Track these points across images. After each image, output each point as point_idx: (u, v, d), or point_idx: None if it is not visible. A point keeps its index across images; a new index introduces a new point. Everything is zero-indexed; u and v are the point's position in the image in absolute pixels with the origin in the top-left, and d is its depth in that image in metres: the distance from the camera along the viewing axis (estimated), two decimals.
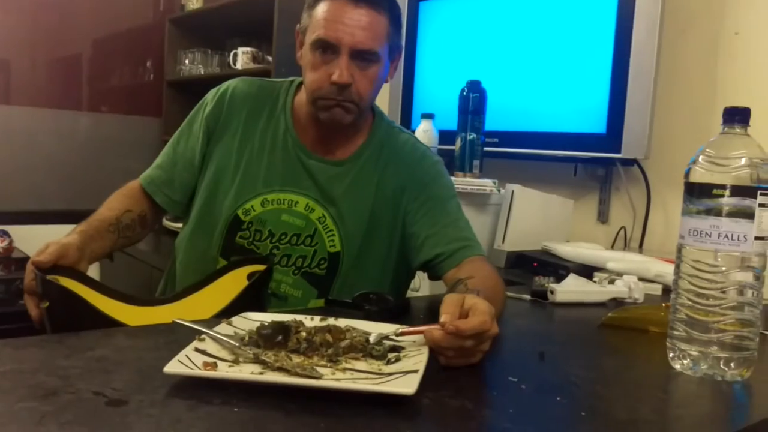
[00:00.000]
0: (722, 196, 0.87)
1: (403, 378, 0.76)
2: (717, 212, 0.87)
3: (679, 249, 0.92)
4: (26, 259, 1.06)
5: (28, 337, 0.91)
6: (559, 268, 1.61)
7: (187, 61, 3.32)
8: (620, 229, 1.98)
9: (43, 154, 3.25)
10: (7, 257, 2.70)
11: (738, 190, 0.86)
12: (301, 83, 1.31)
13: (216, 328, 0.89)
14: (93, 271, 1.19)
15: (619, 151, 1.83)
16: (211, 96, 1.36)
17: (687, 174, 0.91)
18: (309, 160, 1.29)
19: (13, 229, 2.82)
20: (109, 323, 1.00)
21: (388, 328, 0.91)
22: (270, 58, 2.82)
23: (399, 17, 1.27)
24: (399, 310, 1.15)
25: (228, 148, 1.31)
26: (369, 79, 1.22)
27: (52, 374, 0.76)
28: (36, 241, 1.62)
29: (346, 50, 1.18)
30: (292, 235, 1.27)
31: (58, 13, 3.30)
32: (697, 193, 0.89)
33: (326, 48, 1.19)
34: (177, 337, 0.88)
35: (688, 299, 0.89)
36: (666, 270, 1.44)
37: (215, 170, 1.31)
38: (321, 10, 1.20)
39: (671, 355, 0.92)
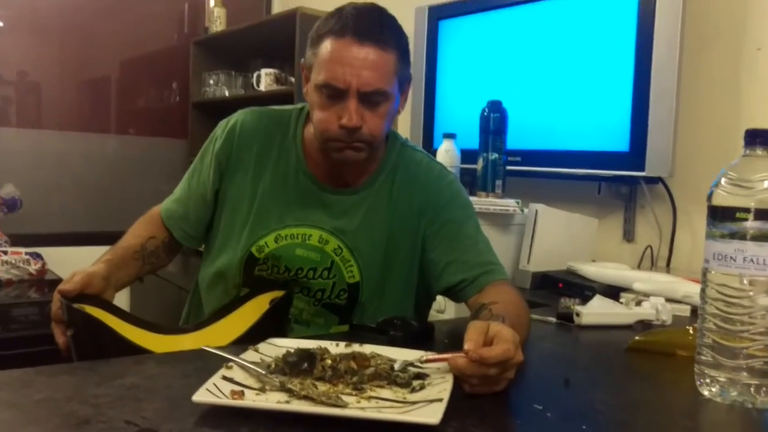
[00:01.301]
0: (746, 219, 0.87)
1: (428, 407, 0.76)
2: (741, 236, 0.87)
3: (704, 273, 0.91)
4: (58, 281, 1.09)
5: (60, 365, 0.93)
6: (585, 289, 1.60)
7: (211, 83, 3.37)
8: (646, 248, 1.96)
9: (72, 176, 3.31)
10: (40, 279, 2.75)
11: (762, 214, 0.86)
12: (309, 112, 1.28)
13: (243, 355, 0.90)
14: (123, 292, 1.22)
15: (642, 169, 1.81)
16: (220, 131, 1.34)
17: (709, 197, 0.90)
18: (322, 192, 1.28)
19: (46, 251, 2.87)
20: (135, 351, 1.02)
21: (412, 354, 0.92)
22: (292, 79, 2.86)
23: (407, 47, 1.23)
24: (423, 335, 1.15)
25: (241, 186, 1.30)
26: (379, 117, 1.19)
27: (84, 402, 0.78)
28: (67, 263, 1.66)
29: (353, 93, 1.15)
30: (309, 269, 1.26)
31: (86, 37, 3.37)
32: (720, 216, 0.89)
33: (333, 91, 1.16)
34: (205, 364, 0.89)
35: (715, 324, 0.89)
36: (694, 290, 1.42)
37: (230, 209, 1.31)
38: (325, 49, 1.16)
39: (699, 381, 0.91)
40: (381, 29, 1.17)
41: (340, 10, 1.18)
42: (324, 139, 1.20)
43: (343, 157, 1.21)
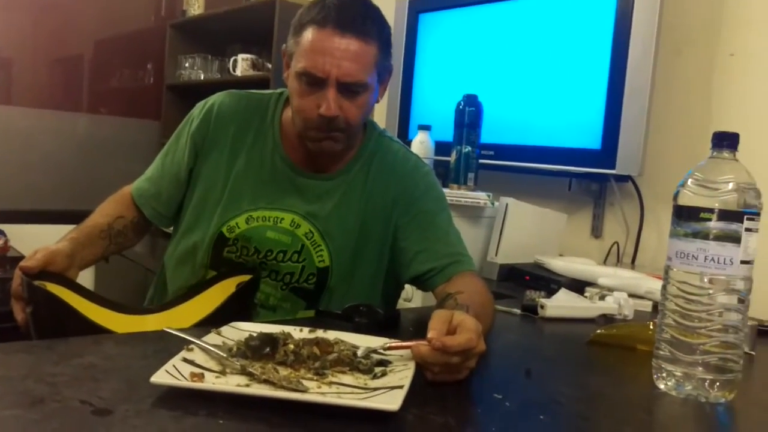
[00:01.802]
0: (710, 219, 0.88)
1: (388, 393, 0.77)
2: (704, 236, 0.88)
3: (666, 270, 0.93)
4: (20, 258, 1.07)
5: (17, 342, 0.91)
6: (551, 282, 1.62)
7: (187, 66, 3.33)
8: (613, 245, 1.99)
9: (41, 154, 3.26)
10: (3, 256, 2.71)
11: (725, 215, 0.87)
12: (288, 97, 1.29)
13: (205, 338, 0.90)
14: (88, 271, 1.20)
15: (613, 167, 1.84)
16: (197, 111, 1.34)
17: (675, 197, 0.92)
18: (297, 177, 1.29)
19: (10, 228, 2.83)
20: (95, 330, 1.01)
21: (376, 341, 0.92)
22: (269, 66, 2.84)
23: (388, 38, 1.23)
24: (389, 323, 1.15)
25: (216, 166, 1.30)
26: (358, 107, 1.20)
27: (40, 381, 0.77)
28: (32, 240, 1.63)
29: (333, 82, 1.15)
30: (278, 251, 1.26)
31: (61, 15, 3.31)
32: (685, 216, 0.90)
33: (313, 79, 1.16)
34: (166, 345, 0.88)
35: (674, 320, 0.90)
36: (657, 287, 1.44)
37: (203, 188, 1.30)
38: (307, 38, 1.16)
39: (656, 375, 0.93)
40: (363, 20, 1.17)
41: (323, 0, 1.18)
42: (303, 126, 1.21)
43: (320, 147, 1.22)
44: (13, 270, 1.09)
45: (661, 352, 0.92)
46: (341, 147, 1.24)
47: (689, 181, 0.91)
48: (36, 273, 1.05)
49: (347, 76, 1.15)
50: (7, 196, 3.10)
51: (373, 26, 1.18)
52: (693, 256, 0.89)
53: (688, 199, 0.90)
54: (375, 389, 0.79)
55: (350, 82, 1.16)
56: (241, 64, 2.93)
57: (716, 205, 0.88)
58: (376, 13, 1.21)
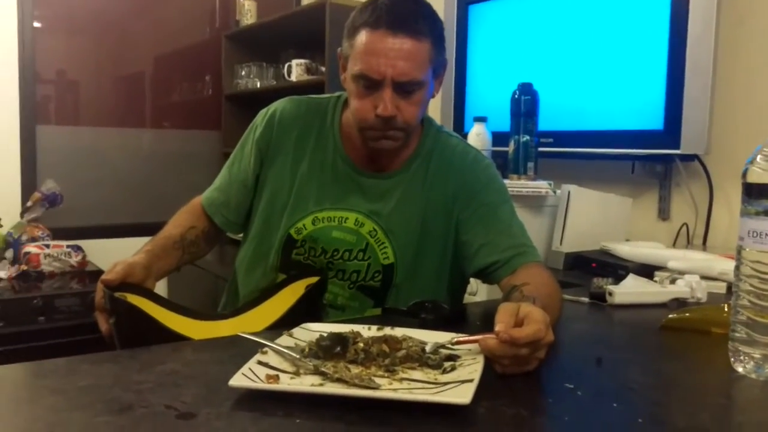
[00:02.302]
0: None
1: (459, 387, 0.77)
2: None
3: (739, 250, 0.90)
4: (99, 272, 1.13)
5: (104, 353, 0.96)
6: (618, 269, 1.59)
7: (243, 74, 3.40)
8: (682, 226, 1.93)
9: (110, 171, 3.38)
10: (81, 271, 2.83)
11: None
12: (347, 99, 1.32)
13: (277, 340, 0.92)
14: (162, 283, 1.25)
15: (678, 147, 1.79)
16: (260, 119, 1.38)
17: (744, 174, 0.89)
18: (359, 177, 1.31)
19: (85, 244, 2.95)
20: (174, 338, 1.05)
21: (443, 336, 0.93)
22: (323, 69, 2.87)
23: (441, 34, 1.24)
24: (454, 318, 1.16)
25: (281, 171, 1.33)
26: (414, 105, 1.21)
27: (126, 389, 0.81)
28: (107, 254, 1.71)
29: (388, 83, 1.17)
30: (344, 250, 1.29)
31: (120, 34, 3.43)
32: (756, 193, 0.88)
33: (369, 81, 1.18)
34: (241, 350, 0.91)
35: (749, 301, 0.88)
36: (730, 267, 1.38)
37: (271, 193, 1.34)
38: (360, 40, 1.18)
39: (733, 358, 0.90)
40: (415, 18, 1.18)
41: (374, 1, 1.19)
42: (361, 127, 1.24)
43: (380, 146, 1.24)
44: (92, 284, 1.14)
45: (738, 335, 0.90)
46: (400, 145, 1.26)
47: (758, 158, 0.88)
48: (117, 285, 1.10)
49: (402, 76, 1.17)
50: (80, 212, 3.24)
51: (425, 23, 1.19)
52: (766, 234, 0.86)
53: (757, 176, 0.88)
54: (445, 384, 0.80)
55: (405, 81, 1.18)
56: (296, 70, 2.98)
57: None
58: (428, 9, 1.22)
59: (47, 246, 2.79)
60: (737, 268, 0.91)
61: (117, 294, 1.08)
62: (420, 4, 1.21)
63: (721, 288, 1.40)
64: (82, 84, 3.38)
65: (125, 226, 3.26)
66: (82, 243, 2.93)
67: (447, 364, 0.86)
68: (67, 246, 2.83)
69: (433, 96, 1.29)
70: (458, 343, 0.90)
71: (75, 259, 2.82)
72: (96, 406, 0.76)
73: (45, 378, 0.86)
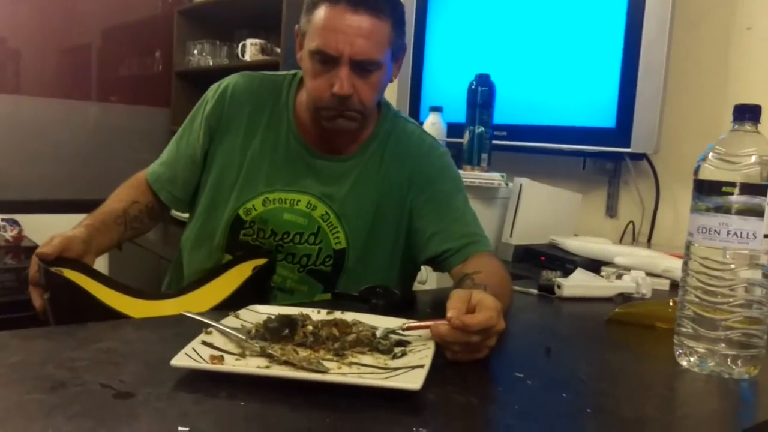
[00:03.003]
0: (732, 193, 0.87)
1: (409, 373, 0.76)
2: (726, 210, 0.87)
3: (688, 246, 0.91)
4: (35, 247, 1.07)
5: (36, 329, 0.92)
6: (566, 263, 1.61)
7: (195, 52, 3.32)
8: (628, 224, 1.97)
9: (51, 144, 3.26)
10: (17, 246, 2.72)
11: (748, 188, 0.86)
12: (302, 78, 1.28)
13: (223, 321, 0.89)
14: (101, 260, 1.20)
15: (628, 146, 1.81)
16: (211, 93, 1.33)
17: (696, 171, 0.90)
18: (312, 158, 1.28)
19: (23, 218, 2.84)
20: (113, 315, 1.01)
21: (394, 322, 0.91)
22: (278, 50, 2.82)
23: (402, 16, 1.22)
24: (405, 304, 1.15)
25: (231, 148, 1.29)
26: (371, 86, 1.19)
27: (60, 366, 0.77)
28: (45, 229, 1.63)
29: (346, 60, 1.14)
30: (295, 234, 1.26)
31: (68, 4, 3.31)
32: (707, 190, 0.89)
33: (326, 58, 1.15)
34: (184, 329, 0.88)
35: (696, 296, 0.89)
36: (674, 265, 1.43)
37: (219, 170, 1.30)
38: (319, 16, 1.15)
39: (678, 351, 0.92)
40: None
41: None
42: (316, 107, 1.20)
43: (335, 125, 1.21)
44: (27, 259, 1.09)
45: (683, 329, 0.91)
46: (355, 126, 1.23)
47: (710, 155, 0.89)
48: (53, 259, 1.05)
49: (360, 54, 1.14)
50: (18, 186, 3.11)
51: (386, 3, 1.17)
52: (715, 230, 0.88)
53: (709, 173, 0.89)
54: (396, 369, 0.79)
55: (363, 60, 1.15)
56: (250, 49, 2.92)
57: (738, 178, 0.86)
58: None
59: None
60: (685, 263, 0.92)
61: (53, 268, 1.03)
62: None
63: (665, 285, 1.43)
64: (24, 53, 3.25)
65: (66, 202, 3.14)
66: (19, 217, 2.82)
67: (397, 350, 0.85)
68: (2, 219, 2.72)
69: (391, 80, 1.26)
70: (409, 328, 0.89)
71: (10, 234, 2.71)
72: (26, 383, 0.72)
73: None
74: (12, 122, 3.17)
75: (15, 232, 2.73)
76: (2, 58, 3.21)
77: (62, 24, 3.31)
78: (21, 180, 3.13)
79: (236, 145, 1.29)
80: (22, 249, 2.71)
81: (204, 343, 0.82)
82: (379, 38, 1.16)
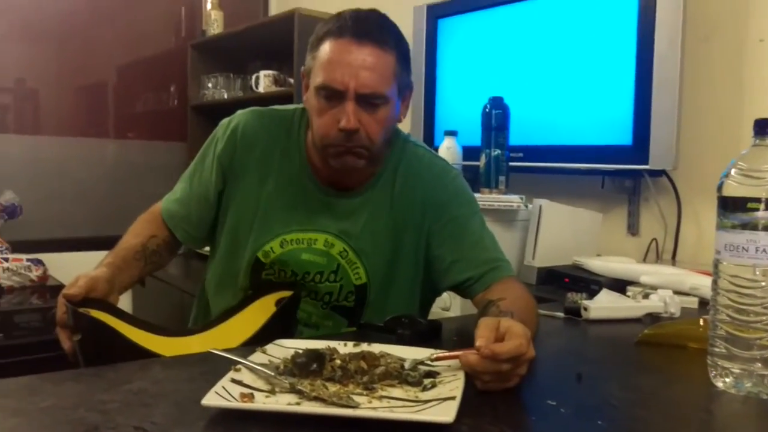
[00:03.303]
0: (757, 209, 0.86)
1: (441, 405, 0.75)
2: (753, 226, 0.86)
3: (716, 264, 0.90)
4: (60, 287, 1.08)
5: (66, 371, 0.92)
6: (591, 284, 1.59)
7: (210, 86, 3.36)
8: (651, 241, 1.95)
9: (72, 182, 3.30)
10: (42, 285, 2.74)
11: None
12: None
13: (251, 357, 0.89)
14: (125, 297, 1.21)
15: (646, 162, 1.80)
16: (221, 132, 1.32)
17: (720, 188, 0.90)
18: (326, 196, 1.27)
19: (46, 257, 2.86)
20: (142, 354, 1.01)
21: (422, 353, 0.91)
22: (291, 81, 2.85)
23: (407, 53, 1.21)
24: (431, 333, 1.14)
25: (245, 191, 1.28)
26: (378, 121, 1.16)
27: (92, 409, 0.77)
28: (68, 268, 1.65)
29: (351, 95, 1.13)
30: (315, 273, 1.25)
31: (83, 42, 3.36)
32: (731, 207, 0.88)
33: (331, 93, 1.14)
34: (212, 367, 0.88)
35: (728, 315, 0.88)
36: (701, 282, 1.42)
37: (235, 214, 1.29)
38: (324, 51, 1.15)
39: (713, 373, 0.90)
40: (380, 30, 1.15)
41: (339, 14, 1.17)
42: (324, 144, 1.18)
43: (343, 163, 1.19)
44: (53, 299, 1.10)
45: (717, 349, 0.89)
46: (363, 163, 1.20)
47: (733, 171, 0.89)
48: (79, 300, 1.06)
49: (365, 87, 1.13)
50: (41, 225, 3.14)
51: (390, 36, 1.17)
52: (743, 248, 0.87)
53: (733, 189, 0.88)
54: (426, 401, 0.78)
55: (369, 93, 1.14)
56: (263, 81, 2.95)
57: (764, 194, 0.86)
58: (394, 26, 1.20)
59: (6, 260, 2.69)
60: (714, 282, 0.91)
61: (81, 309, 1.04)
62: (386, 20, 1.19)
63: (693, 303, 1.41)
64: (43, 93, 3.30)
65: (87, 240, 3.17)
66: (43, 256, 2.83)
67: (427, 381, 0.84)
68: (27, 260, 2.73)
69: (399, 120, 1.25)
70: (438, 359, 0.88)
71: (35, 273, 2.73)
72: (59, 428, 0.72)
73: (5, 398, 0.81)
74: (33, 162, 3.21)
75: (40, 271, 2.75)
76: (21, 99, 3.27)
77: (78, 62, 3.36)
78: (43, 218, 3.16)
79: (251, 188, 1.28)
80: (47, 288, 2.72)
81: (233, 380, 0.82)
82: (384, 71, 1.15)
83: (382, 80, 1.15)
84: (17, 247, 2.84)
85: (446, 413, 0.72)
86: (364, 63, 1.13)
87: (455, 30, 2.38)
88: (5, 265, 2.66)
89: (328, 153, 1.19)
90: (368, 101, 1.15)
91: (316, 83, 1.16)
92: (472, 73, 2.31)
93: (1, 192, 2.88)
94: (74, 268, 1.23)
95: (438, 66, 2.42)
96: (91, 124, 3.42)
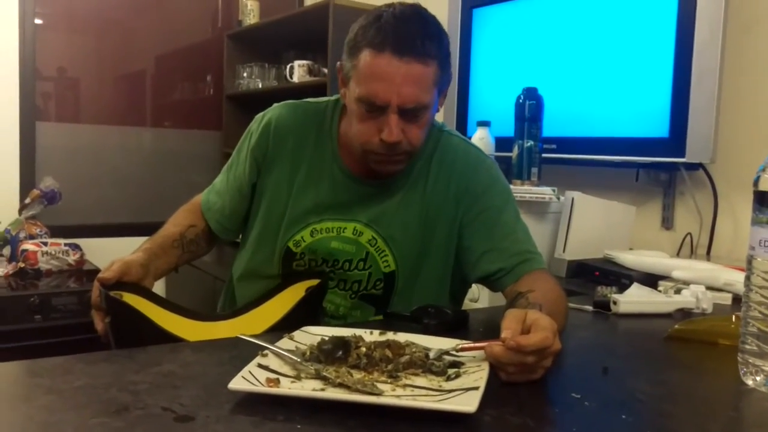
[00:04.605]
0: None
1: (464, 395, 0.76)
2: None
3: (749, 260, 0.88)
4: (96, 271, 1.12)
5: (99, 352, 0.94)
6: (621, 278, 1.58)
7: (245, 75, 3.39)
8: (686, 236, 1.92)
9: (109, 169, 3.37)
10: (79, 269, 2.81)
11: None
12: (344, 105, 1.25)
13: (278, 343, 0.91)
14: (158, 283, 1.24)
15: (683, 155, 1.77)
16: (255, 126, 1.34)
17: (756, 183, 0.88)
18: (357, 185, 1.27)
19: (84, 242, 2.93)
20: (170, 338, 1.04)
21: (447, 343, 0.91)
22: (325, 71, 2.86)
23: (447, 53, 1.17)
24: (457, 323, 1.14)
25: (278, 181, 1.29)
26: (420, 126, 1.17)
27: (123, 389, 0.79)
28: (105, 253, 1.69)
29: (394, 109, 1.12)
30: (344, 261, 1.26)
31: (122, 32, 3.42)
32: None
33: (373, 107, 1.13)
34: (240, 352, 0.90)
35: (760, 312, 0.86)
36: (736, 278, 1.39)
37: (267, 204, 1.31)
38: (365, 62, 1.12)
39: (743, 370, 0.89)
40: (421, 41, 1.11)
41: (378, 18, 1.12)
42: (364, 150, 1.19)
43: (384, 169, 1.21)
44: (89, 283, 1.13)
45: (748, 347, 0.88)
46: (404, 166, 1.22)
47: None
48: (113, 284, 1.09)
49: (409, 103, 1.12)
50: (79, 211, 3.22)
51: (432, 44, 1.12)
52: None
53: None
54: (450, 391, 0.78)
55: (411, 107, 1.13)
56: (298, 71, 2.96)
57: None
58: (434, 28, 1.15)
59: (45, 244, 2.77)
60: (748, 278, 0.89)
61: (112, 293, 1.07)
62: (427, 24, 1.14)
63: (726, 299, 1.38)
64: (83, 81, 3.37)
65: (124, 225, 3.24)
66: (81, 241, 2.91)
67: (451, 371, 0.84)
68: (65, 244, 2.81)
69: (437, 110, 1.24)
70: (463, 349, 0.88)
71: (73, 258, 2.80)
72: (91, 406, 0.74)
73: (40, 377, 0.84)
74: (72, 149, 3.29)
75: (77, 256, 2.82)
76: (62, 88, 3.34)
77: (117, 52, 3.43)
78: (82, 205, 3.24)
79: (283, 179, 1.29)
80: (84, 272, 2.79)
81: (260, 366, 0.83)
82: (426, 83, 1.13)
83: (425, 92, 1.13)
84: (56, 231, 2.91)
85: (469, 403, 0.72)
86: (407, 78, 1.10)
87: (490, 20, 2.36)
88: (44, 249, 2.74)
89: (368, 159, 1.20)
90: (411, 112, 1.14)
91: (357, 94, 1.14)
92: (506, 64, 2.29)
93: (41, 178, 2.96)
94: (111, 253, 1.26)
95: (472, 56, 2.40)
96: (129, 113, 3.49)
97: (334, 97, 1.33)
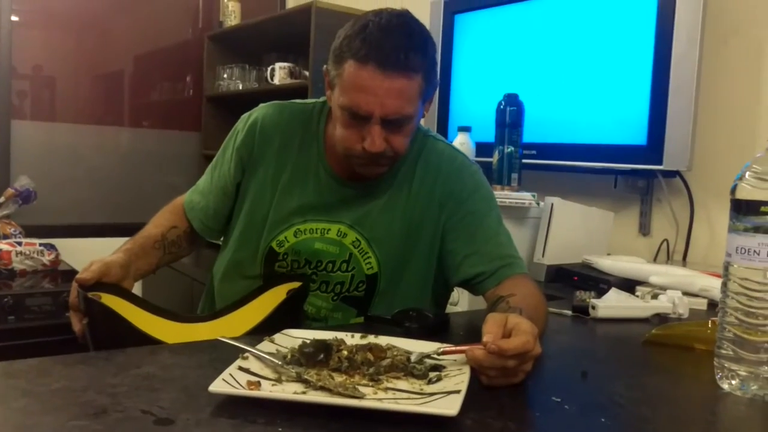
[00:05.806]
0: None
1: (446, 398, 0.76)
2: (765, 230, 0.86)
3: (726, 267, 0.90)
4: (71, 272, 1.10)
5: (77, 354, 0.93)
6: (600, 282, 1.59)
7: (225, 77, 3.37)
8: (662, 242, 1.94)
9: (86, 169, 3.33)
10: (54, 270, 2.76)
11: None
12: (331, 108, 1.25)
13: (258, 346, 0.90)
14: (136, 284, 1.23)
15: (660, 163, 1.80)
16: (241, 125, 1.34)
17: (733, 191, 0.89)
18: (342, 187, 1.28)
19: (59, 243, 2.89)
20: (149, 341, 1.03)
21: (429, 346, 0.91)
22: (307, 74, 2.85)
23: (433, 62, 1.17)
24: (438, 327, 1.14)
25: (262, 181, 1.29)
26: (404, 135, 1.17)
27: (101, 392, 0.78)
28: (80, 254, 1.66)
29: (377, 119, 1.12)
30: (327, 262, 1.26)
31: (101, 32, 3.38)
32: (744, 210, 0.87)
33: (356, 116, 1.13)
34: (220, 354, 0.89)
35: (736, 318, 0.87)
36: (711, 284, 1.41)
37: (251, 203, 1.30)
38: (348, 71, 1.11)
39: (719, 374, 0.90)
40: (405, 54, 1.10)
41: (364, 29, 1.11)
42: (347, 155, 1.20)
43: (368, 171, 1.22)
44: (64, 283, 1.12)
45: (724, 351, 0.89)
46: (386, 169, 1.24)
47: (747, 174, 0.88)
48: (92, 285, 1.07)
49: (392, 114, 1.12)
50: (54, 211, 3.17)
51: (416, 57, 1.11)
52: (754, 251, 0.86)
53: (747, 192, 0.88)
54: (431, 394, 0.78)
55: (394, 118, 1.13)
56: (279, 73, 2.95)
57: None
58: (419, 39, 1.14)
59: (19, 243, 2.72)
60: (724, 284, 0.90)
61: (90, 294, 1.06)
62: (412, 35, 1.13)
63: (702, 304, 1.40)
64: (60, 80, 3.33)
65: (100, 226, 3.20)
66: (56, 242, 2.86)
67: (432, 375, 0.85)
68: (40, 244, 2.76)
69: (423, 116, 1.24)
70: (444, 353, 0.88)
71: (48, 258, 2.75)
72: (69, 409, 0.73)
73: (16, 378, 0.82)
74: (48, 148, 3.24)
75: (52, 256, 2.78)
76: (39, 86, 3.30)
77: (96, 51, 3.38)
78: (57, 205, 3.19)
79: (267, 179, 1.29)
80: (59, 273, 2.75)
81: (241, 368, 0.83)
82: (410, 95, 1.13)
83: (408, 103, 1.13)
84: (31, 231, 2.87)
85: (451, 406, 0.72)
86: (389, 92, 1.10)
87: (471, 26, 2.37)
88: (19, 249, 2.69)
89: (351, 162, 1.21)
90: (395, 123, 1.14)
91: (341, 102, 1.14)
92: (488, 70, 2.30)
93: (16, 177, 2.91)
94: (86, 254, 1.24)
95: (453, 61, 2.41)
96: (106, 112, 3.45)
97: (321, 99, 1.33)
